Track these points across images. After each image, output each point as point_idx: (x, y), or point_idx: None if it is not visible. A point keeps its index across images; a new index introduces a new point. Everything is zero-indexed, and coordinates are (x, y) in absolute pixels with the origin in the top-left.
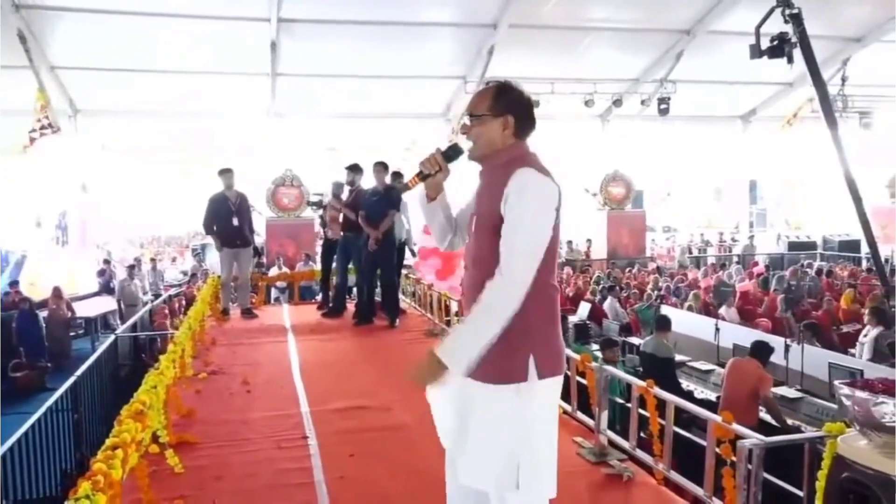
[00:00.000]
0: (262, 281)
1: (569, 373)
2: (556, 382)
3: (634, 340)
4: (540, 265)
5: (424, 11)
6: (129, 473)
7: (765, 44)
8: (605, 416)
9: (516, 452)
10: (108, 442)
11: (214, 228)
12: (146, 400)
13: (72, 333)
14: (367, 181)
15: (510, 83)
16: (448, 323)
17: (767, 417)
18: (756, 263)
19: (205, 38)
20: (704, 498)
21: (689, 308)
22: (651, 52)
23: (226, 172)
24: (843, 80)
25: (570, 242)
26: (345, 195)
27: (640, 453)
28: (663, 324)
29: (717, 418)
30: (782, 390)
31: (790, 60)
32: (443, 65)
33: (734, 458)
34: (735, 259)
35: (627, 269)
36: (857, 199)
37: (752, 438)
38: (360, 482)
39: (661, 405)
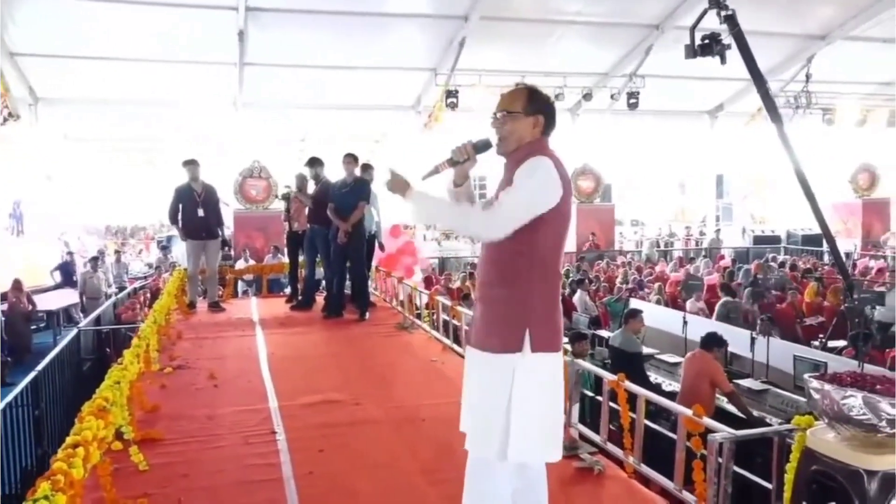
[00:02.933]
0: (229, 274)
1: None
2: (554, 357)
3: (604, 333)
4: (543, 246)
5: (395, 2)
6: (91, 472)
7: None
8: (576, 409)
9: (509, 421)
10: (68, 440)
11: (179, 219)
12: (109, 396)
13: (33, 327)
14: (336, 172)
15: (541, 90)
16: (418, 315)
17: (732, 409)
18: (723, 257)
19: (172, 26)
20: (674, 491)
21: (658, 301)
22: (621, 47)
23: (190, 164)
24: (808, 76)
25: None
26: (311, 188)
27: (610, 446)
28: (632, 315)
29: (688, 412)
30: (748, 382)
31: (723, 60)
32: (413, 56)
33: (704, 451)
34: (703, 253)
35: (597, 262)
36: (810, 195)
37: (723, 432)
38: (329, 477)
39: (633, 399)
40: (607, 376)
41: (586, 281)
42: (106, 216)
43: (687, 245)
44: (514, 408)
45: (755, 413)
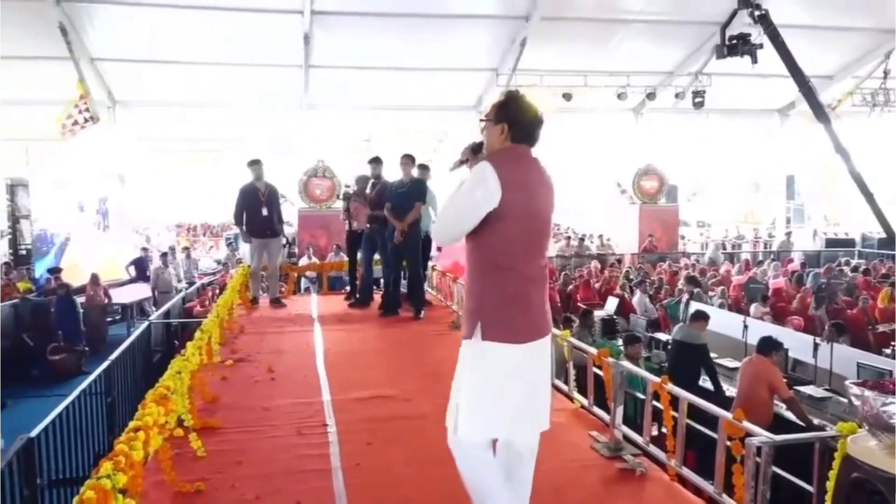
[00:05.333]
0: (291, 271)
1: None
2: (507, 348)
3: (662, 336)
4: (494, 245)
5: (457, 3)
6: (154, 456)
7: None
8: (619, 411)
9: (462, 397)
10: (130, 424)
11: (244, 219)
12: (170, 385)
13: (108, 319)
14: (394, 173)
15: (517, 97)
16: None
17: (791, 416)
18: (791, 260)
19: (240, 31)
20: (715, 495)
21: (720, 305)
22: (686, 45)
23: (255, 164)
24: (885, 73)
25: (600, 236)
26: (369, 188)
27: (653, 449)
28: (699, 317)
29: (728, 415)
30: (809, 389)
31: (754, 60)
32: (475, 57)
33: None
34: (771, 256)
35: (658, 264)
36: (868, 196)
37: (761, 436)
38: (376, 469)
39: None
40: (651, 378)
41: (646, 283)
42: (177, 214)
43: (755, 248)
44: (464, 389)
45: (815, 421)
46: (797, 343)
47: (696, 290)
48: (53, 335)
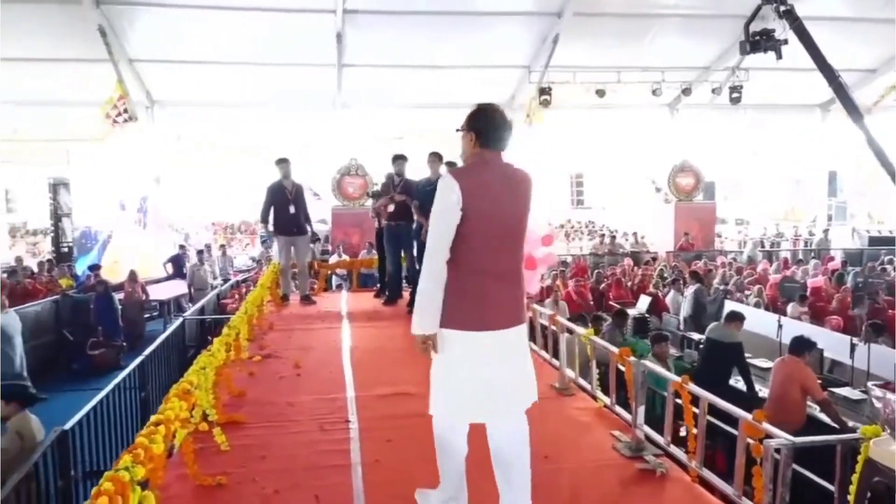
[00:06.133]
0: (320, 268)
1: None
2: (461, 335)
3: (694, 335)
4: (458, 247)
5: (489, 0)
6: (178, 449)
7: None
8: (641, 410)
9: (434, 382)
10: (152, 418)
11: (271, 217)
12: (193, 380)
13: (146, 315)
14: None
15: (485, 108)
16: None
17: (825, 418)
18: (831, 259)
19: (274, 31)
20: (734, 497)
21: (756, 304)
22: (722, 39)
23: (282, 162)
24: None
25: (634, 234)
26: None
27: (675, 450)
28: (734, 317)
29: (748, 416)
30: (845, 391)
31: (778, 56)
32: (507, 54)
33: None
34: (812, 255)
35: (693, 262)
36: None
37: (780, 438)
38: (394, 466)
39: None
40: (671, 378)
41: (680, 281)
42: (215, 212)
43: (795, 246)
44: (432, 373)
45: (850, 424)
46: (834, 343)
47: (698, 285)
48: (93, 330)
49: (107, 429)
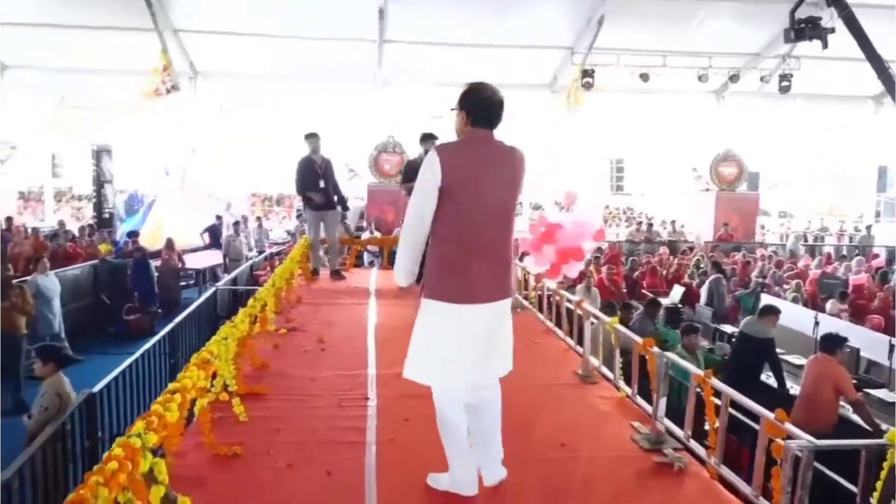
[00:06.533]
0: (352, 244)
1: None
2: (442, 305)
3: (727, 328)
4: (440, 220)
5: None
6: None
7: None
8: (663, 402)
9: (413, 345)
10: (169, 386)
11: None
12: (214, 350)
13: (182, 283)
14: None
15: (477, 87)
16: (526, 297)
17: (858, 419)
18: (876, 256)
19: (317, 4)
20: (751, 497)
21: (794, 300)
22: (773, 25)
23: (312, 137)
24: None
25: (673, 223)
26: None
27: (694, 444)
28: (769, 311)
29: (769, 414)
30: (881, 393)
31: (824, 45)
32: (550, 34)
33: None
34: (856, 251)
35: (732, 254)
36: None
37: (802, 440)
38: (408, 446)
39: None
40: (693, 371)
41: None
42: (254, 184)
43: (839, 241)
44: (412, 337)
45: (884, 427)
46: (872, 343)
47: (718, 275)
48: (129, 296)
49: (135, 393)
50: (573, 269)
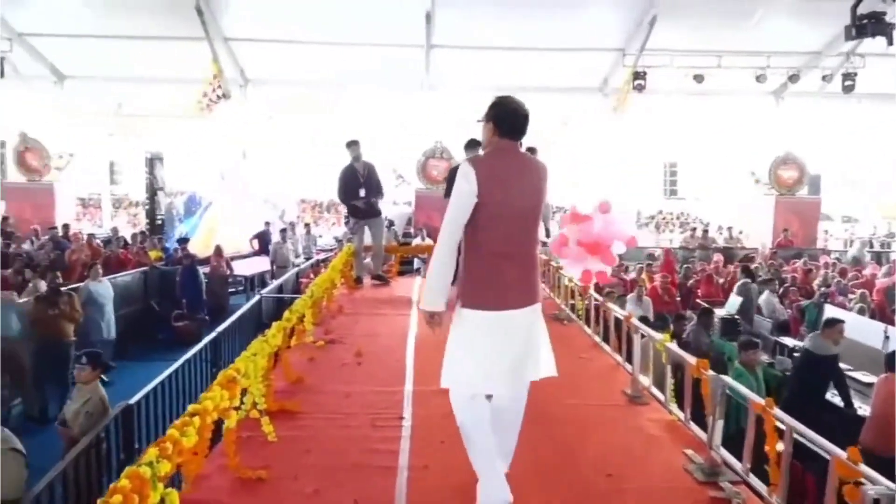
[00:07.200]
0: (396, 252)
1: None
2: (477, 314)
3: (788, 341)
4: (473, 232)
5: None
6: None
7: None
8: (719, 428)
9: (446, 353)
10: (189, 408)
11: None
12: (241, 367)
13: (231, 290)
14: None
15: (502, 100)
16: (573, 307)
17: None
18: None
19: (365, 11)
20: None
21: (860, 310)
22: (835, 22)
23: (353, 144)
24: None
25: (729, 228)
26: None
27: (753, 479)
28: (831, 325)
29: (841, 454)
30: None
31: (890, 41)
32: (600, 36)
33: None
34: None
35: (792, 261)
36: None
37: (881, 486)
38: (443, 472)
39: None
40: (754, 399)
41: (776, 281)
42: (304, 190)
43: None
44: (447, 346)
45: None
46: None
47: (749, 281)
48: (178, 303)
49: (177, 401)
50: (599, 266)
